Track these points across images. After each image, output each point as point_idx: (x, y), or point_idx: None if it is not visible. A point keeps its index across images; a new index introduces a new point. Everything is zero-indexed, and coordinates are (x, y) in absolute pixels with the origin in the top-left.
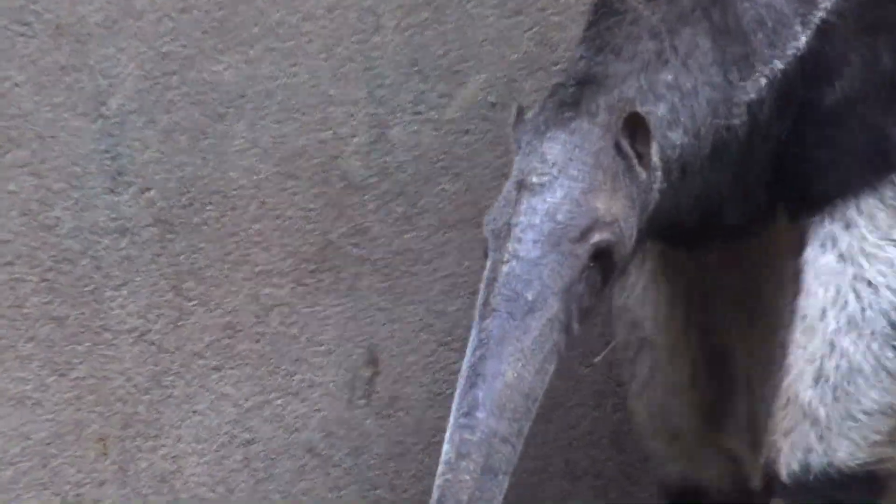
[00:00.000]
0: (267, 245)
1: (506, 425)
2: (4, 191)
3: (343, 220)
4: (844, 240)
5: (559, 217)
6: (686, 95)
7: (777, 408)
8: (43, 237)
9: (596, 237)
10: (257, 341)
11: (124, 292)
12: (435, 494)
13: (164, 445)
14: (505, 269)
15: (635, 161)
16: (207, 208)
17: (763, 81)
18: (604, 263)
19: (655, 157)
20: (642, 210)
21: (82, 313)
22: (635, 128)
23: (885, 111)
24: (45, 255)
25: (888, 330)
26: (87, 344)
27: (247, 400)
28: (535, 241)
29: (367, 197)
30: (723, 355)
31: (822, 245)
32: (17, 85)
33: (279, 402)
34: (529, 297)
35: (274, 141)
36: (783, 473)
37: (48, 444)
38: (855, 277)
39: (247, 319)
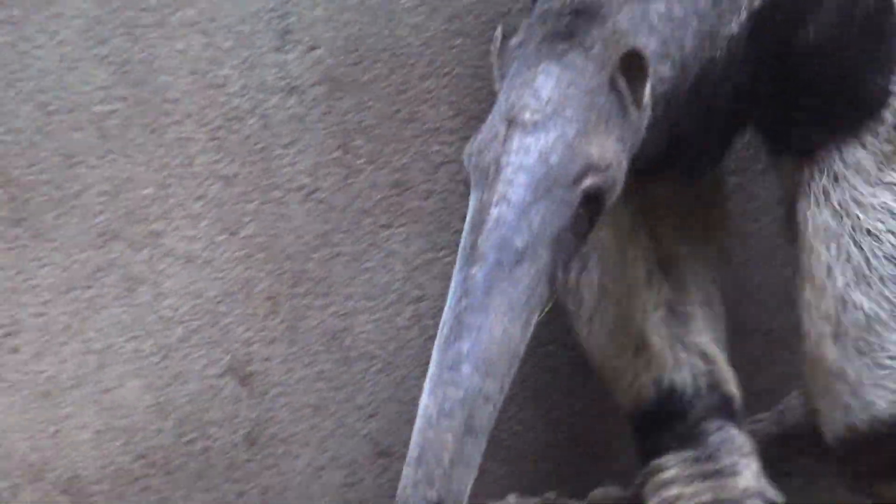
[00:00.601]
0: (435, 102)
1: (490, 383)
2: (173, 50)
3: None
4: (836, 194)
5: (553, 160)
6: (677, 27)
7: (805, 370)
8: (211, 95)
9: (588, 183)
10: (426, 198)
11: (292, 151)
12: (414, 452)
13: (333, 303)
14: (494, 212)
15: (630, 100)
16: (376, 66)
17: (744, 16)
18: (593, 209)
19: (648, 97)
20: (631, 151)
21: (251, 172)
22: (631, 64)
23: (861, 56)
24: (214, 114)
25: None
26: (256, 202)
27: (416, 257)
28: (527, 185)
29: None
30: (673, 259)
31: (816, 200)
32: None
33: (448, 259)
34: (519, 245)
35: None
36: (829, 438)
37: (218, 302)
38: (854, 229)
39: (415, 177)
